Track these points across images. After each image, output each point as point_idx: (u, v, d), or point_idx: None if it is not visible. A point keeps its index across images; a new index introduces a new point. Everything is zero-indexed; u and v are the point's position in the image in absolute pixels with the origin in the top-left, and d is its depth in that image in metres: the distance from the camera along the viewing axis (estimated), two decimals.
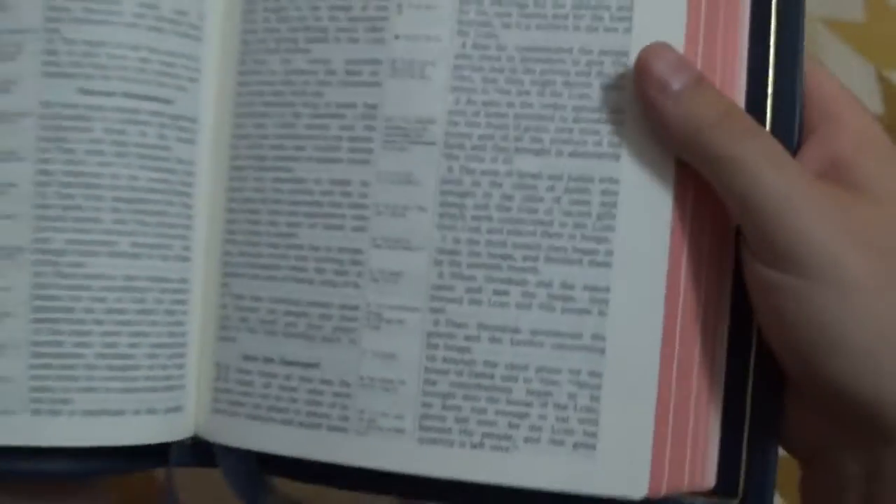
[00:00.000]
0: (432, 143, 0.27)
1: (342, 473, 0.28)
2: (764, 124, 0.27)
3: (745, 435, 0.27)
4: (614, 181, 0.25)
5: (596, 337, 0.25)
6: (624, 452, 0.25)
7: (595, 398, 0.25)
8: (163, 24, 0.28)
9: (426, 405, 0.26)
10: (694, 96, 0.25)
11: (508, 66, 0.27)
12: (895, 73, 0.62)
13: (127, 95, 0.28)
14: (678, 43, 0.25)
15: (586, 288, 0.25)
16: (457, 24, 0.27)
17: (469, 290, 0.26)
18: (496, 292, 0.26)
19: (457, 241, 0.26)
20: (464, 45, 0.27)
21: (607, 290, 0.25)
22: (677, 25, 0.26)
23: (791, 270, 0.24)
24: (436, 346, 0.26)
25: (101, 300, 0.27)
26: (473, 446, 0.26)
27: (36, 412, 0.26)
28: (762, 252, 0.24)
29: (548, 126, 0.26)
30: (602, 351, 0.25)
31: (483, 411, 0.26)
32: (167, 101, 0.28)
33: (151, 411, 0.28)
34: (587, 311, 0.25)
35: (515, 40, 0.27)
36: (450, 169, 0.27)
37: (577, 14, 0.26)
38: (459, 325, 0.26)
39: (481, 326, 0.26)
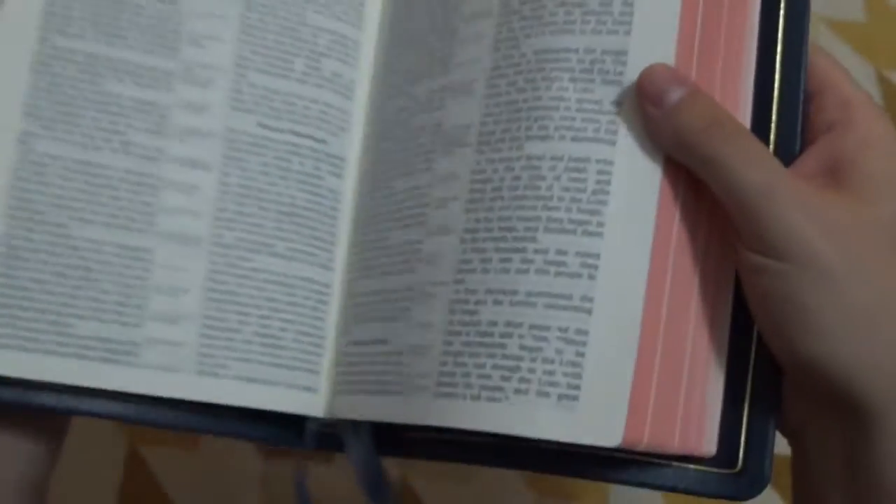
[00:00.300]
0: (469, 145, 0.31)
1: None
2: (769, 127, 0.30)
3: (746, 408, 0.28)
4: (609, 162, 0.28)
5: (584, 298, 0.27)
6: (602, 404, 0.27)
7: (580, 354, 0.27)
8: (323, 82, 0.35)
9: (443, 363, 0.29)
10: (685, 108, 0.27)
11: (526, 68, 0.30)
12: (895, 73, 0.62)
13: (293, 133, 0.34)
14: (670, 46, 0.28)
15: (578, 254, 0.28)
16: (493, 41, 0.31)
17: (482, 261, 0.29)
18: (501, 260, 0.29)
19: (477, 220, 0.30)
20: (496, 60, 0.31)
21: (598, 256, 0.28)
22: (670, 30, 0.29)
23: (772, 255, 0.26)
24: (454, 312, 0.30)
25: (261, 289, 0.33)
26: (473, 398, 0.28)
27: (200, 372, 0.32)
28: (746, 238, 0.27)
29: (553, 115, 0.29)
30: (589, 311, 0.27)
31: (482, 366, 0.28)
32: (323, 142, 0.34)
33: (292, 386, 0.33)
34: (578, 275, 0.28)
35: (533, 46, 0.30)
36: (478, 162, 0.30)
37: (584, 20, 0.29)
38: (472, 292, 0.29)
39: (488, 291, 0.29)
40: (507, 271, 0.29)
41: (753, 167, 0.26)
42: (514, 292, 0.28)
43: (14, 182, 0.31)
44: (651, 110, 0.28)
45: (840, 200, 0.27)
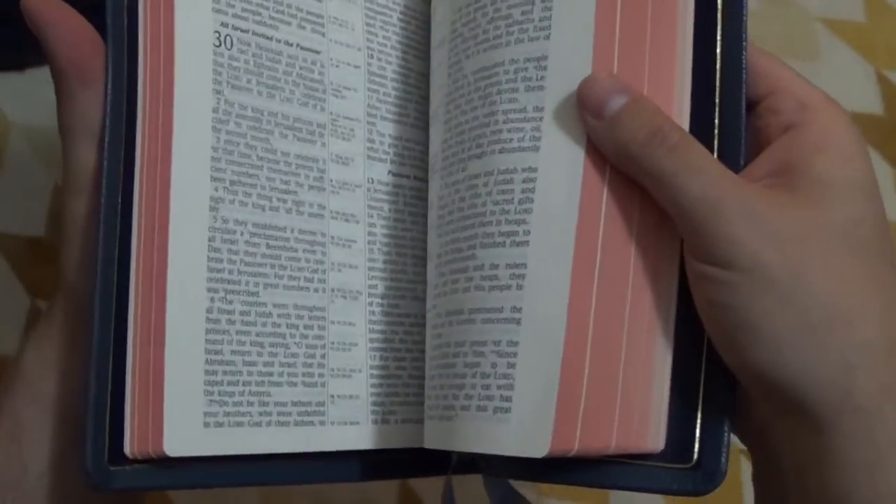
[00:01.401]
0: (437, 171, 0.32)
1: None
2: (713, 128, 0.29)
3: (700, 402, 0.29)
4: (533, 170, 0.28)
5: (514, 309, 0.28)
6: (531, 414, 0.27)
7: (511, 365, 0.27)
8: (426, 125, 0.35)
9: (428, 387, 0.31)
10: (626, 119, 0.27)
11: (467, 89, 0.30)
12: (895, 73, 0.62)
13: (416, 178, 0.35)
14: (587, 47, 0.28)
15: (508, 266, 0.28)
16: (447, 67, 0.32)
17: (444, 284, 0.30)
18: (453, 281, 0.30)
19: (442, 245, 0.30)
20: (449, 85, 0.31)
21: (524, 266, 0.28)
22: (587, 30, 0.28)
23: (717, 264, 0.26)
24: (430, 337, 0.31)
25: (409, 333, 0.34)
26: (437, 419, 0.30)
27: (375, 421, 0.33)
28: (693, 248, 0.27)
29: (486, 131, 0.29)
30: (518, 321, 0.28)
31: (441, 387, 0.29)
32: None
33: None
34: (508, 287, 0.28)
35: (472, 66, 0.30)
36: (441, 187, 0.31)
37: (509, 31, 0.29)
38: (438, 315, 0.30)
39: (447, 313, 0.30)
40: (455, 291, 0.29)
41: (696, 179, 0.26)
42: (460, 311, 0.29)
43: (210, 253, 0.29)
44: (592, 122, 0.27)
45: (789, 206, 0.26)
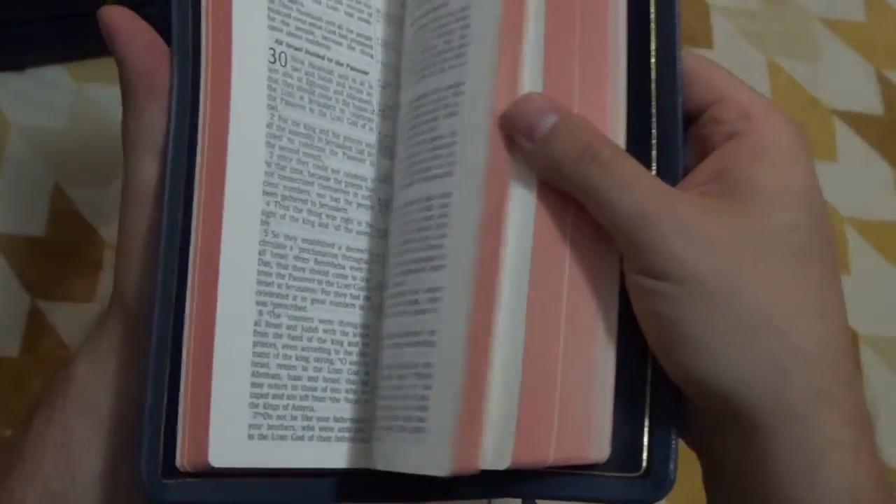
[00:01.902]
0: (389, 202, 0.32)
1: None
2: (650, 141, 0.29)
3: (647, 410, 0.29)
4: (448, 195, 0.28)
5: (430, 332, 0.28)
6: (441, 433, 0.27)
7: (427, 387, 0.28)
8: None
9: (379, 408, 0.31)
10: (557, 138, 0.27)
11: (404, 119, 0.31)
12: (895, 73, 0.62)
13: None
14: (492, 71, 0.28)
15: (427, 290, 0.28)
16: (398, 99, 0.32)
17: (386, 307, 0.30)
18: (389, 306, 0.30)
19: (387, 271, 0.31)
20: (400, 116, 0.31)
21: (440, 290, 0.28)
22: (493, 54, 0.28)
23: (653, 276, 0.26)
24: (378, 359, 0.31)
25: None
26: (364, 441, 0.31)
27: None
28: (629, 261, 0.27)
29: (414, 160, 0.30)
30: (434, 344, 0.28)
31: (379, 408, 0.30)
32: None
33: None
34: (425, 311, 0.28)
35: (407, 96, 0.31)
36: (390, 218, 0.31)
37: (433, 62, 0.30)
38: (382, 338, 0.30)
39: (386, 336, 0.30)
40: (389, 316, 0.30)
41: (628, 194, 0.26)
42: (391, 335, 0.29)
43: (259, 266, 0.30)
44: (524, 144, 0.27)
45: (722, 215, 0.26)
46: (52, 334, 0.51)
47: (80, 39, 0.56)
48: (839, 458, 0.25)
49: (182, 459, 0.28)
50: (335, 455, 0.31)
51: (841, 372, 0.26)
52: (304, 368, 0.30)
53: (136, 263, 0.31)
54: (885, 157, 0.59)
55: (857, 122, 0.60)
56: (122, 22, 0.30)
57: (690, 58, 0.30)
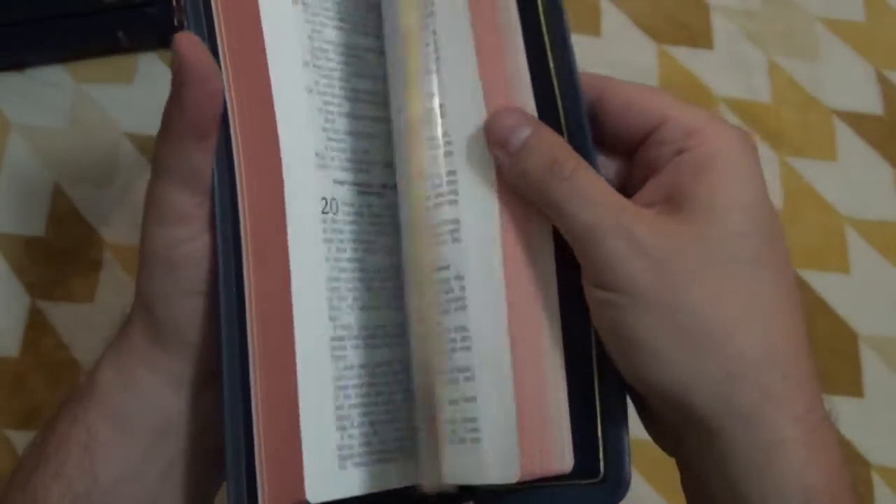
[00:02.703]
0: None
1: None
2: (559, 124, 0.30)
3: (598, 414, 0.29)
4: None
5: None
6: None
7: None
8: None
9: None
10: (529, 151, 0.28)
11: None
12: (895, 73, 0.62)
13: None
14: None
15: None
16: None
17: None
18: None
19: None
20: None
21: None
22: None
23: (606, 287, 0.27)
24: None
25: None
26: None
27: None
28: (586, 273, 0.28)
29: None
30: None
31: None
32: None
33: None
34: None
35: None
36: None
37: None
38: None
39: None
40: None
41: (583, 206, 0.27)
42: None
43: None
44: (500, 155, 0.29)
45: (668, 228, 0.27)
46: (52, 334, 0.51)
47: (80, 39, 0.56)
48: (788, 456, 0.26)
49: (267, 501, 0.29)
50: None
51: (791, 372, 0.27)
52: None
53: (158, 282, 0.31)
54: (885, 157, 0.59)
55: (857, 122, 0.60)
56: (196, 61, 0.29)
57: (630, 86, 0.30)
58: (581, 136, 0.29)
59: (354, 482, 0.30)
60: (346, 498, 0.30)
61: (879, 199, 0.58)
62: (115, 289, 0.52)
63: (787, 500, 0.26)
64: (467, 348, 0.28)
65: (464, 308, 0.28)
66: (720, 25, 0.62)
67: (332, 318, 0.31)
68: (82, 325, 0.51)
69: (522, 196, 0.29)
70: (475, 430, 0.28)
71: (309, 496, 0.29)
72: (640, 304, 0.27)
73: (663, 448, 0.31)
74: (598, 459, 0.29)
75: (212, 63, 0.29)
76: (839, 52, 0.62)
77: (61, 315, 0.51)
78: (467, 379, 0.28)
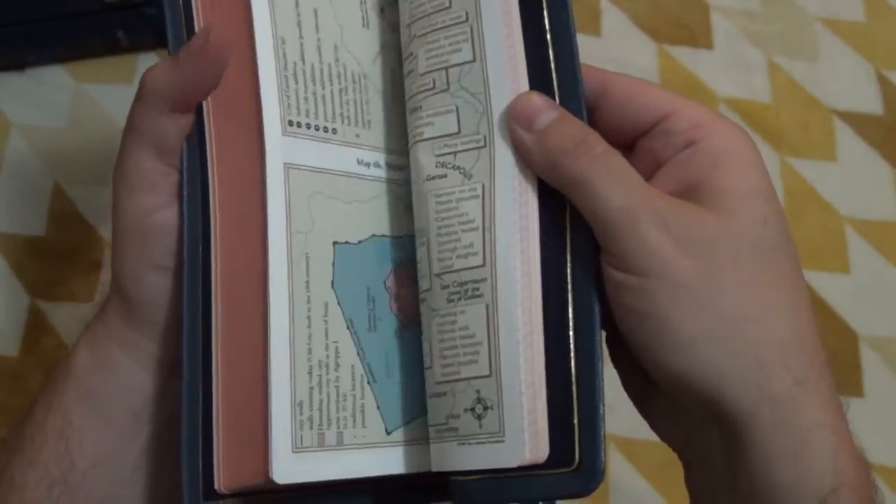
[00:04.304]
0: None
1: None
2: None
3: (575, 404, 0.29)
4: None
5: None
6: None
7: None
8: None
9: None
10: (554, 131, 0.28)
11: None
12: (895, 73, 0.62)
13: None
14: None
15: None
16: None
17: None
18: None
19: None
20: None
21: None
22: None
23: (633, 271, 0.27)
24: None
25: None
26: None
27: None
28: (609, 256, 0.27)
29: None
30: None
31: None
32: None
33: None
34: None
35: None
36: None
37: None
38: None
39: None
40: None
41: (616, 188, 0.27)
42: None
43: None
44: (522, 134, 0.28)
45: (697, 215, 0.27)
46: (52, 334, 0.51)
47: (80, 39, 0.56)
48: (821, 441, 0.27)
49: (222, 482, 0.29)
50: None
51: (815, 359, 0.28)
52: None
53: (132, 254, 0.31)
54: (885, 157, 0.59)
55: (857, 122, 0.60)
56: (222, 43, 0.29)
57: (630, 80, 0.30)
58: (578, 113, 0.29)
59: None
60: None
61: (879, 199, 0.58)
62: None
63: (822, 485, 0.26)
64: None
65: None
66: (720, 25, 0.62)
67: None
68: (82, 325, 0.51)
69: (545, 179, 0.29)
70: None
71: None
72: (674, 290, 0.26)
73: (670, 445, 0.31)
74: (574, 448, 0.29)
75: (226, 62, 0.29)
76: (839, 52, 0.62)
77: (61, 315, 0.51)
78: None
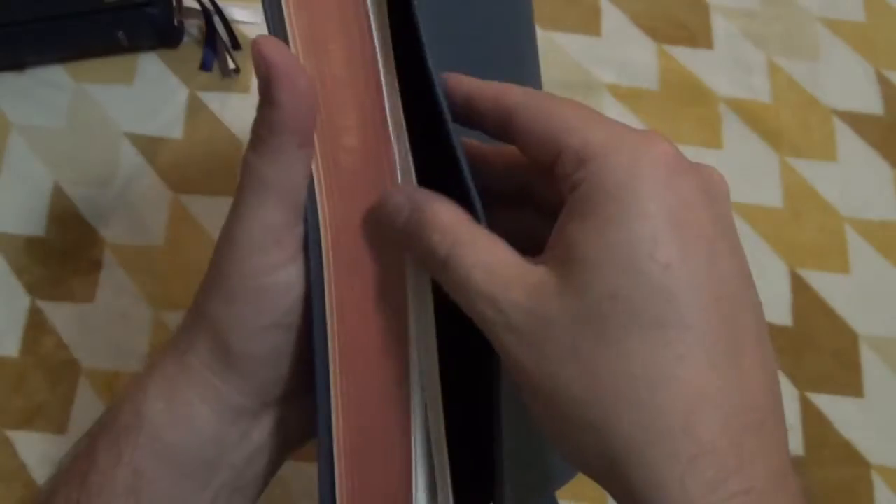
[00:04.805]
0: None
1: None
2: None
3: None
4: None
5: None
6: None
7: None
8: None
9: None
10: (408, 236, 0.27)
11: None
12: (895, 73, 0.62)
13: None
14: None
15: None
16: None
17: None
18: None
19: None
20: None
21: None
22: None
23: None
24: None
25: None
26: None
27: None
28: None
29: None
30: None
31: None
32: None
33: None
34: None
35: None
36: None
37: None
38: None
39: None
40: None
41: (463, 297, 0.26)
42: None
43: None
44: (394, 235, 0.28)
45: (547, 291, 0.24)
46: (52, 334, 0.51)
47: (80, 39, 0.55)
48: None
49: None
50: None
51: (683, 445, 0.23)
52: None
53: (246, 308, 0.29)
54: (885, 157, 0.59)
55: (857, 122, 0.60)
56: (281, 62, 0.27)
57: (538, 104, 0.26)
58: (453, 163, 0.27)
59: None
60: None
61: (879, 199, 0.58)
62: (115, 289, 0.52)
63: None
64: None
65: None
66: (720, 25, 0.62)
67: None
68: (82, 325, 0.51)
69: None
70: None
71: None
72: (526, 389, 0.25)
73: None
74: None
75: (296, 61, 0.27)
76: (839, 52, 0.62)
77: (61, 315, 0.51)
78: None
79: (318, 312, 0.28)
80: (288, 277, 0.29)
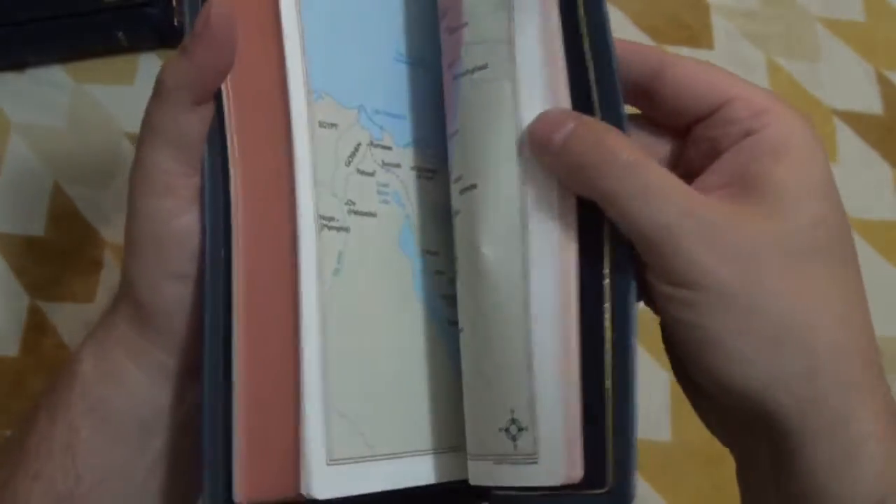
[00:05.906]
0: None
1: None
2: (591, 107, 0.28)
3: (609, 424, 0.28)
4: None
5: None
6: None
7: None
8: None
9: None
10: (573, 144, 0.27)
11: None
12: (895, 73, 0.62)
13: None
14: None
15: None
16: None
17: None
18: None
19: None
20: None
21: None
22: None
23: (677, 284, 0.26)
24: None
25: None
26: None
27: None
28: (654, 270, 0.27)
29: None
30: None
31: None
32: None
33: None
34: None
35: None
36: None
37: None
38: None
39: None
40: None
41: (650, 202, 0.26)
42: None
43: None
44: (541, 156, 0.27)
45: (745, 219, 0.26)
46: (52, 334, 0.51)
47: (80, 39, 0.56)
48: (870, 452, 0.26)
49: (244, 494, 0.28)
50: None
51: (868, 365, 0.27)
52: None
53: (149, 257, 0.30)
54: (885, 157, 0.59)
55: (857, 122, 0.60)
56: (216, 21, 0.28)
57: (691, 62, 0.29)
58: (618, 126, 0.28)
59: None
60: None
61: (879, 199, 0.58)
62: (115, 289, 0.51)
63: (870, 494, 0.26)
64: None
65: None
66: (720, 25, 0.62)
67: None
68: (82, 325, 0.51)
69: (579, 193, 0.27)
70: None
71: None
72: (720, 302, 0.26)
73: (719, 436, 0.30)
74: (606, 470, 0.28)
75: (235, 36, 0.28)
76: (839, 52, 0.62)
77: (61, 315, 0.51)
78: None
79: (211, 257, 0.29)
80: (184, 226, 0.29)
